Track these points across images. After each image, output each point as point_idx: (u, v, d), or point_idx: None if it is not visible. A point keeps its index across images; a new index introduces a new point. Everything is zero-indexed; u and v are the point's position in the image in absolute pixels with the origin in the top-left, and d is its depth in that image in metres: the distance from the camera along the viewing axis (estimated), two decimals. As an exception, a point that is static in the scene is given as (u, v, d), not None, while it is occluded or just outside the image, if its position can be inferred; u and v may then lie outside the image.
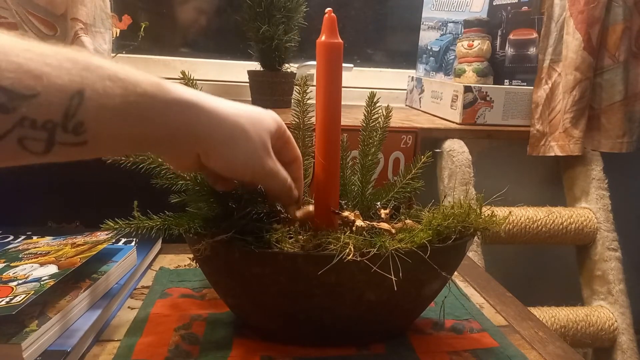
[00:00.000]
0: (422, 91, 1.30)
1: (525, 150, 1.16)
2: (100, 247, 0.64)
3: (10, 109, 0.28)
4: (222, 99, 0.41)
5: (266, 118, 0.43)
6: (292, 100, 0.52)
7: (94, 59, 0.32)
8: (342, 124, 0.47)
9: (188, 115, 0.37)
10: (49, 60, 0.30)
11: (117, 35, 1.09)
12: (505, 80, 1.18)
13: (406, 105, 1.41)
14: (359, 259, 0.42)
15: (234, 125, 0.40)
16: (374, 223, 0.47)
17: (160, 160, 0.51)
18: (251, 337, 0.52)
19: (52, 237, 0.68)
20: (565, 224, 1.13)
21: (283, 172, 0.44)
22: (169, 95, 0.35)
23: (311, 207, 0.50)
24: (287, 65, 1.10)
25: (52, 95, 0.30)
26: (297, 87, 0.53)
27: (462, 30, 1.22)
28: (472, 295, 0.66)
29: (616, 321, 1.11)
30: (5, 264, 0.58)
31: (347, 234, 0.45)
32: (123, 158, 0.50)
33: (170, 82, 0.37)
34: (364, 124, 0.56)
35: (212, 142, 0.39)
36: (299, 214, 0.49)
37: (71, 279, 0.54)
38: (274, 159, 0.43)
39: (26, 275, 0.54)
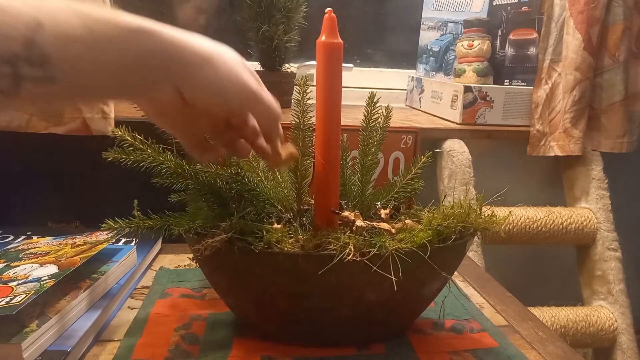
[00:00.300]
0: (422, 91, 1.30)
1: (525, 150, 1.16)
2: (100, 247, 0.64)
3: None
4: (185, 31, 0.39)
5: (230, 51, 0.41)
6: (292, 100, 0.52)
7: None
8: (342, 124, 0.47)
9: (156, 39, 0.35)
10: None
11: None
12: (505, 80, 1.18)
13: (406, 105, 1.41)
14: (359, 259, 0.42)
15: (205, 47, 0.38)
16: (374, 223, 0.47)
17: (160, 158, 0.51)
18: (251, 337, 0.52)
19: (52, 237, 0.68)
20: (565, 224, 1.13)
21: (269, 95, 0.42)
22: (132, 22, 0.35)
23: (292, 147, 0.48)
24: (287, 65, 1.10)
25: (8, 27, 0.29)
26: (297, 87, 0.53)
27: (462, 30, 1.22)
28: (472, 295, 0.66)
29: (616, 321, 1.11)
30: (5, 264, 0.58)
31: (347, 234, 0.45)
32: (123, 156, 0.49)
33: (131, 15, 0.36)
34: (364, 124, 0.56)
35: (188, 66, 0.37)
36: (283, 153, 0.47)
37: (71, 279, 0.54)
38: (258, 80, 0.41)
39: (26, 275, 0.54)
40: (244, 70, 0.40)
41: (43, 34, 0.30)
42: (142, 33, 0.35)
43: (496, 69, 1.17)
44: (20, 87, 0.31)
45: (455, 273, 0.54)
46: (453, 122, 1.15)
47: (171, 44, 0.36)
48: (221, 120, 0.43)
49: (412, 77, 1.38)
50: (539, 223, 1.12)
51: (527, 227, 1.11)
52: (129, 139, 0.49)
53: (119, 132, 0.49)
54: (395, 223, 0.50)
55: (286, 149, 0.47)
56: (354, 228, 0.46)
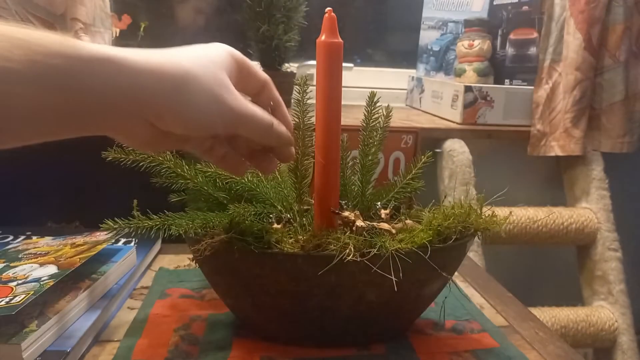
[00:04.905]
0: (423, 91, 1.30)
1: (525, 150, 1.16)
2: (100, 247, 0.64)
3: None
4: (150, 50, 0.33)
5: (215, 53, 0.36)
6: (292, 100, 0.52)
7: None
8: (342, 124, 0.47)
9: (116, 73, 0.30)
10: None
11: (117, 35, 1.09)
12: (506, 80, 1.18)
13: (406, 105, 1.41)
14: (359, 260, 0.42)
15: (176, 72, 0.32)
16: (374, 223, 0.47)
17: (160, 158, 0.51)
18: (251, 337, 0.52)
19: (51, 237, 0.68)
20: (565, 224, 1.13)
21: (257, 109, 0.38)
22: (85, 52, 0.29)
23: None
24: (287, 65, 1.10)
25: None
26: (297, 87, 0.53)
27: (463, 29, 1.22)
28: (472, 295, 0.66)
29: (616, 321, 1.11)
30: (5, 264, 0.58)
31: (347, 234, 0.45)
32: (123, 156, 0.49)
33: (80, 40, 0.30)
34: (364, 124, 0.56)
35: (158, 100, 0.32)
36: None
37: (71, 279, 0.54)
38: (239, 96, 0.36)
39: (26, 276, 0.54)
40: (223, 87, 0.35)
41: None
42: (98, 63, 0.29)
43: (497, 68, 1.17)
44: None
45: (456, 273, 0.54)
46: (453, 122, 1.14)
47: (135, 72, 0.31)
48: (207, 140, 0.40)
49: (413, 76, 1.37)
50: (539, 223, 1.12)
51: (528, 227, 1.11)
52: (129, 138, 0.49)
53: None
54: (396, 223, 0.50)
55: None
56: (354, 228, 0.46)
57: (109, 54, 0.30)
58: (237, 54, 0.38)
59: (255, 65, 0.40)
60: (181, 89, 0.33)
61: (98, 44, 0.30)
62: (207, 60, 0.35)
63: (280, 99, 0.43)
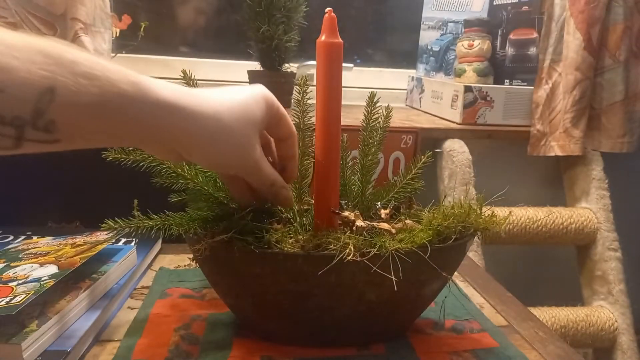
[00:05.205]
0: (422, 91, 1.30)
1: (525, 150, 1.16)
2: (100, 247, 0.64)
3: None
4: (205, 91, 0.39)
5: (253, 105, 0.41)
6: (292, 100, 0.52)
7: (68, 52, 0.30)
8: (342, 124, 0.47)
9: (167, 119, 0.35)
10: (17, 53, 0.28)
11: (117, 35, 1.09)
12: (506, 80, 1.18)
13: (406, 105, 1.41)
14: (359, 259, 0.42)
15: (216, 124, 0.38)
16: (374, 223, 0.47)
17: (160, 159, 0.51)
18: (251, 337, 0.52)
19: (52, 237, 0.68)
20: (565, 224, 1.13)
21: (267, 167, 0.43)
22: (148, 97, 0.34)
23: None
24: (287, 65, 1.10)
25: (20, 91, 0.28)
26: (297, 87, 0.53)
27: (463, 30, 1.22)
28: (472, 295, 0.66)
29: (616, 321, 1.11)
30: (5, 264, 0.58)
31: (347, 234, 0.45)
32: (123, 156, 0.50)
33: (150, 80, 0.35)
34: (364, 124, 0.56)
35: (193, 144, 0.38)
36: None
37: (71, 279, 0.54)
38: (258, 155, 0.42)
39: (26, 276, 0.54)
40: (247, 145, 0.41)
41: (54, 102, 0.29)
42: (159, 107, 0.35)
43: (496, 68, 1.17)
44: (20, 146, 0.30)
45: (456, 273, 0.54)
46: (453, 122, 1.14)
47: (185, 120, 0.36)
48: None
49: (412, 77, 1.37)
50: (539, 223, 1.12)
51: (527, 227, 1.11)
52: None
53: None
54: (396, 223, 0.50)
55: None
56: (354, 228, 0.46)
57: (167, 101, 0.35)
58: (273, 101, 0.43)
59: (287, 116, 0.45)
60: (214, 136, 0.38)
61: (160, 82, 0.36)
62: (245, 116, 0.40)
63: (297, 154, 0.48)
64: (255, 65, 1.11)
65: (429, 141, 1.07)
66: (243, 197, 0.48)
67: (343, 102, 0.47)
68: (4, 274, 0.55)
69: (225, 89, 0.41)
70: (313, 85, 0.47)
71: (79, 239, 0.67)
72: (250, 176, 0.44)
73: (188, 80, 0.53)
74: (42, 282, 0.52)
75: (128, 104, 0.33)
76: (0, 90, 0.28)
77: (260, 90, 0.43)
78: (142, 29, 1.13)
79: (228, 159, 0.40)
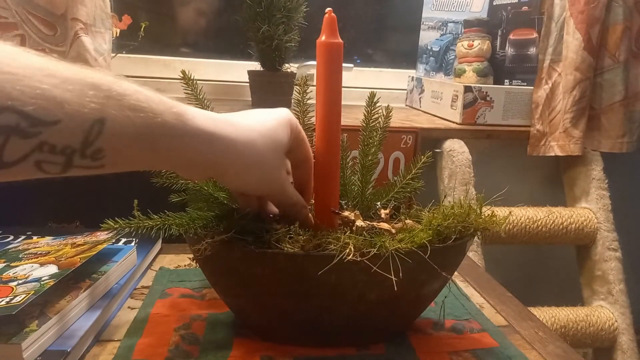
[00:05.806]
0: (422, 91, 1.30)
1: (525, 150, 1.16)
2: (100, 247, 0.64)
3: (30, 134, 0.29)
4: (238, 117, 0.41)
5: (281, 130, 0.43)
6: (292, 100, 0.52)
7: (116, 85, 0.32)
8: (342, 124, 0.47)
9: (207, 149, 0.37)
10: (71, 86, 0.30)
11: (117, 35, 1.09)
12: (506, 80, 1.18)
13: (406, 105, 1.41)
14: (359, 259, 0.42)
15: (251, 153, 0.40)
16: (374, 223, 0.47)
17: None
18: (251, 337, 0.52)
19: (52, 237, 0.68)
20: (565, 224, 1.13)
21: (291, 191, 0.46)
22: (188, 127, 0.36)
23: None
24: (287, 65, 1.10)
25: (72, 123, 0.30)
26: (297, 87, 0.53)
27: (462, 30, 1.22)
28: (472, 295, 0.66)
29: (616, 321, 1.11)
30: (5, 264, 0.58)
31: (347, 234, 0.45)
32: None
33: (192, 110, 0.37)
34: (364, 124, 0.56)
35: (229, 171, 0.40)
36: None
37: (71, 279, 0.54)
38: (284, 178, 0.45)
39: (26, 275, 0.54)
40: (276, 171, 0.43)
41: (102, 133, 0.31)
42: (198, 138, 0.36)
43: (496, 69, 1.17)
44: (67, 172, 0.32)
45: (455, 273, 0.54)
46: (453, 122, 1.15)
47: (222, 149, 0.38)
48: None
49: (412, 77, 1.38)
50: (539, 223, 1.12)
51: (527, 227, 1.12)
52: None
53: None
54: (395, 223, 0.50)
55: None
56: (354, 228, 0.46)
57: (207, 131, 0.37)
58: (297, 126, 0.45)
59: (307, 141, 0.47)
60: (248, 163, 0.41)
61: (201, 112, 0.37)
62: (276, 141, 0.42)
63: (312, 179, 0.48)
64: (256, 66, 1.11)
65: (428, 141, 1.07)
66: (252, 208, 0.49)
67: (343, 102, 0.47)
68: (4, 274, 0.55)
69: (254, 113, 0.43)
70: (313, 85, 0.47)
71: (79, 239, 0.67)
72: (275, 197, 0.46)
73: (188, 80, 0.53)
74: (42, 282, 0.52)
75: (170, 134, 0.35)
76: (54, 122, 0.29)
77: (286, 115, 0.44)
78: (142, 29, 1.13)
79: (259, 184, 0.43)
